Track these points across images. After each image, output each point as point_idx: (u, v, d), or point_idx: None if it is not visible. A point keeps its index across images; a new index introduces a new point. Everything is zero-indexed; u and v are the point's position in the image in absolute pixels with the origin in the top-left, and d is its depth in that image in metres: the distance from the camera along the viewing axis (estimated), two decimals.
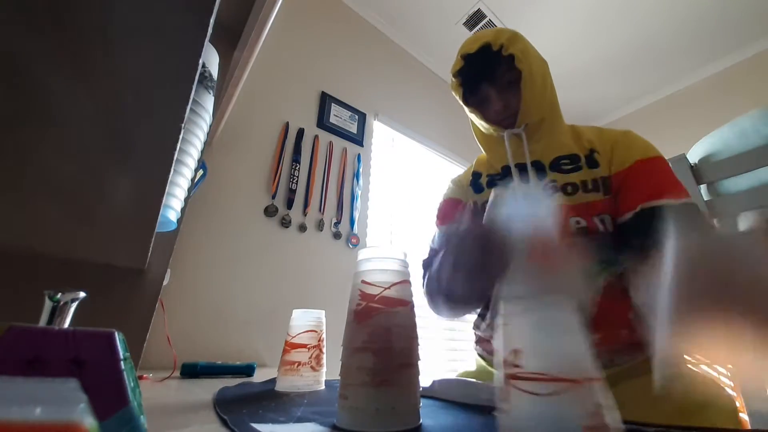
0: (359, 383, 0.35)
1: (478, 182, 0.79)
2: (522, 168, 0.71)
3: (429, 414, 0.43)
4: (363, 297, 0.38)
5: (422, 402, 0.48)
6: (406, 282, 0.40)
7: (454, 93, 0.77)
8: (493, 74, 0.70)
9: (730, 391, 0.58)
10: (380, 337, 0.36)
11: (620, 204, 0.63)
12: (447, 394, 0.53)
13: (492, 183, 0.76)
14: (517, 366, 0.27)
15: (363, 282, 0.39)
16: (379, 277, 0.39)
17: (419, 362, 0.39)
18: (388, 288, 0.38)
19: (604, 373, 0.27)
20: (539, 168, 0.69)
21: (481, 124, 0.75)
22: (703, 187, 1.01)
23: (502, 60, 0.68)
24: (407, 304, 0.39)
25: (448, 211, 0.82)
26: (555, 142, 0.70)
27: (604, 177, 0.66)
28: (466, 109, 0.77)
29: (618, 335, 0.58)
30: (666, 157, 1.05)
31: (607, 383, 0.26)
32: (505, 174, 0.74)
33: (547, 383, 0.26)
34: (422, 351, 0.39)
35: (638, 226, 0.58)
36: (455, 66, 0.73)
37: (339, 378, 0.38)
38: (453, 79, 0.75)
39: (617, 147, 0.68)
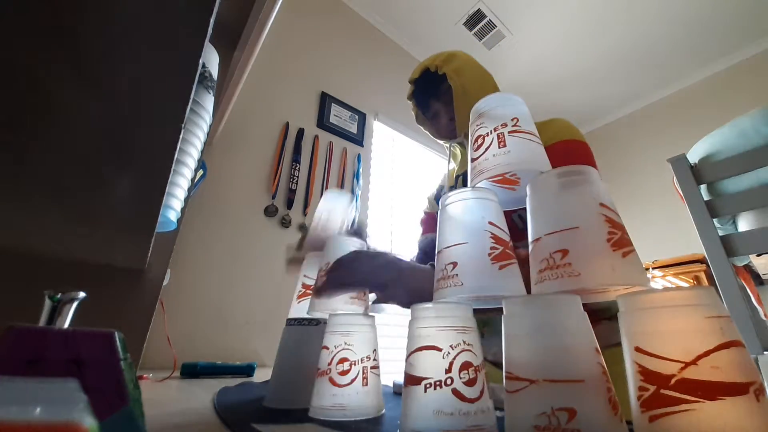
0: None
1: (440, 194, 0.89)
2: (463, 176, 0.79)
3: None
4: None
5: None
6: None
7: (413, 113, 0.87)
8: (437, 92, 0.80)
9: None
10: None
11: None
12: None
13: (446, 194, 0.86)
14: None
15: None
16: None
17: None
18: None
19: None
20: None
21: (435, 140, 0.85)
22: (703, 187, 1.01)
23: (442, 79, 0.77)
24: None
25: (424, 223, 0.93)
26: None
27: None
28: (421, 128, 0.87)
29: None
30: (666, 158, 1.05)
31: None
32: (458, 182, 0.83)
33: (511, 381, 0.27)
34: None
35: None
36: (408, 92, 0.85)
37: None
38: (410, 102, 0.86)
39: None
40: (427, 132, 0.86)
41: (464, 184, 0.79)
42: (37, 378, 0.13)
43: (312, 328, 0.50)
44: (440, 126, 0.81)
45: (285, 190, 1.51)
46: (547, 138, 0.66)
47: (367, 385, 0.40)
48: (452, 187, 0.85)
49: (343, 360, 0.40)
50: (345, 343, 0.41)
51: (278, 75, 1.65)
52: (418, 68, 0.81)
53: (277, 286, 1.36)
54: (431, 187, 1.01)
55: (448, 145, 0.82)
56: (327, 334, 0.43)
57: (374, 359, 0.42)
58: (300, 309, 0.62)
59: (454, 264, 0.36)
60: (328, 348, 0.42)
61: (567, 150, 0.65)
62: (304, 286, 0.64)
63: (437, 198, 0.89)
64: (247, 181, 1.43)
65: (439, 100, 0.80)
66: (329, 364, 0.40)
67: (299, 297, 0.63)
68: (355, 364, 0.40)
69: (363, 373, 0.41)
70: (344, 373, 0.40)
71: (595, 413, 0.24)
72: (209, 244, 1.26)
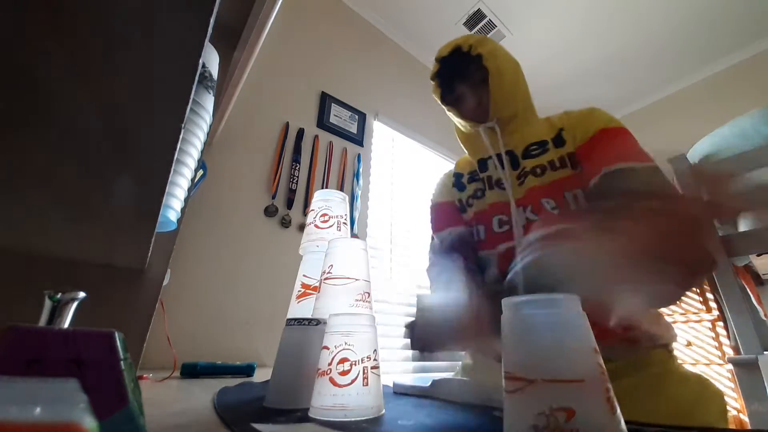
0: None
1: (461, 181, 0.85)
2: (497, 158, 0.76)
3: (428, 414, 0.43)
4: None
5: (422, 402, 0.48)
6: None
7: (434, 95, 0.83)
8: (466, 74, 0.77)
9: (719, 387, 0.60)
10: None
11: (586, 174, 0.65)
12: (446, 394, 0.53)
13: (472, 179, 0.82)
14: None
15: None
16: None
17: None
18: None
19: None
20: (512, 156, 0.74)
21: (459, 122, 0.81)
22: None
23: (473, 60, 0.73)
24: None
25: (440, 215, 0.87)
26: (527, 132, 0.75)
27: (571, 153, 0.69)
28: (444, 107, 0.83)
29: (609, 331, 0.58)
30: (666, 158, 1.05)
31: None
32: (481, 167, 0.80)
33: (509, 381, 0.27)
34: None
35: (603, 192, 0.61)
36: (433, 70, 0.80)
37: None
38: (432, 83, 0.81)
39: (580, 121, 0.71)
40: (450, 113, 0.82)
41: (481, 168, 0.78)
42: (37, 378, 0.13)
43: (312, 328, 0.50)
44: (465, 109, 0.78)
45: (285, 190, 1.51)
46: (603, 123, 0.69)
47: (367, 385, 0.40)
48: (475, 173, 0.81)
49: (343, 360, 0.40)
50: (345, 343, 0.41)
51: (278, 75, 1.65)
52: (447, 46, 0.77)
53: (277, 286, 1.36)
54: (443, 173, 0.94)
55: (478, 129, 0.77)
56: (327, 334, 0.43)
57: (375, 359, 0.42)
58: (300, 309, 0.62)
59: None
60: (328, 348, 0.42)
61: (618, 134, 0.67)
62: (304, 285, 0.64)
63: (456, 185, 0.85)
64: (247, 181, 1.42)
65: (466, 82, 0.77)
66: (329, 364, 0.40)
67: (299, 297, 0.63)
68: (355, 365, 0.40)
69: (363, 373, 0.41)
70: (345, 373, 0.40)
71: (593, 413, 0.24)
72: (209, 244, 1.26)
